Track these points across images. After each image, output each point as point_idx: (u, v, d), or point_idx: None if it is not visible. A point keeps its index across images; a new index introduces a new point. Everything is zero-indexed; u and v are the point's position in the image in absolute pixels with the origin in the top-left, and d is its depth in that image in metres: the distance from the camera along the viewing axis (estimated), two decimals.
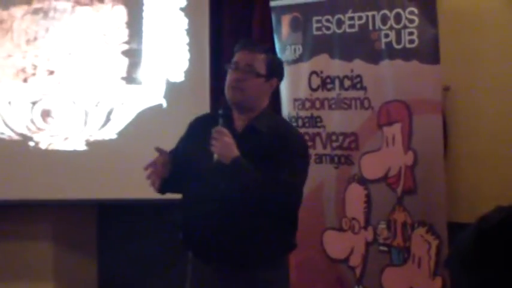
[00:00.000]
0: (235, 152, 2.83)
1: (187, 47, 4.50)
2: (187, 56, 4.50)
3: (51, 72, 4.54)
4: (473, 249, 1.21)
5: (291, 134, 3.06)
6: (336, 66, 3.90)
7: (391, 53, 3.70)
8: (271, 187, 2.81)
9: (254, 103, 2.97)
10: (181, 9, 4.52)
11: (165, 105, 4.51)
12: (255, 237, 2.89)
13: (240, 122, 2.98)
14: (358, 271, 3.87)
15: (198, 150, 2.95)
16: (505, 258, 1.18)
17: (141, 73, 4.51)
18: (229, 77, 2.97)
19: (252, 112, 2.98)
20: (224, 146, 2.83)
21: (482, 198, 3.67)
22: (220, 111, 2.95)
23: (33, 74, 4.55)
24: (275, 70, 3.03)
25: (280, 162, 2.84)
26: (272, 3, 4.19)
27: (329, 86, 3.94)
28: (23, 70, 4.55)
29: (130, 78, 4.52)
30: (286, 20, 4.10)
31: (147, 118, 4.51)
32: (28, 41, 4.56)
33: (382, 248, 3.76)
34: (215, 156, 2.84)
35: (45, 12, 4.56)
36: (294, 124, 3.97)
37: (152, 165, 2.96)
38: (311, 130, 3.99)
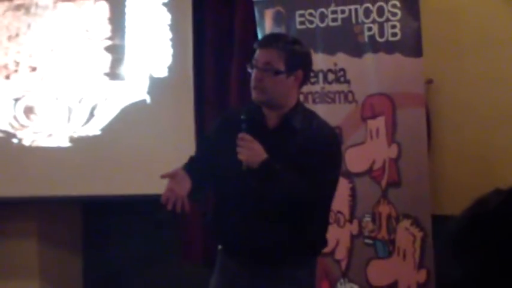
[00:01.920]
0: (262, 155, 2.82)
1: (170, 43, 4.49)
2: (171, 51, 4.48)
3: (34, 69, 4.52)
4: (468, 233, 1.20)
5: (326, 132, 3.02)
6: (319, 60, 3.90)
7: (374, 46, 3.70)
8: (308, 187, 2.80)
9: (280, 101, 2.94)
10: (164, 4, 4.50)
11: (148, 100, 4.50)
12: (287, 235, 2.89)
13: (271, 118, 2.96)
14: (343, 264, 3.88)
15: (227, 154, 2.92)
16: (501, 243, 1.17)
17: (124, 69, 4.50)
18: (252, 77, 2.94)
19: (281, 108, 2.95)
20: (250, 152, 2.83)
21: (466, 190, 3.69)
22: (242, 117, 2.90)
23: (16, 71, 4.52)
24: (297, 62, 2.95)
25: (314, 158, 2.83)
26: None
27: (313, 80, 3.94)
28: (5, 67, 4.52)
29: (113, 74, 4.50)
30: (269, 14, 4.09)
31: (130, 114, 4.50)
32: (10, 38, 4.53)
33: (367, 241, 3.77)
34: (244, 163, 2.84)
35: (27, 8, 4.53)
36: None
37: (171, 193, 2.90)
38: None
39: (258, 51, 2.96)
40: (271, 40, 3.09)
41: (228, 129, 2.97)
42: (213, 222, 3.10)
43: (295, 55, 2.96)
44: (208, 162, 3.01)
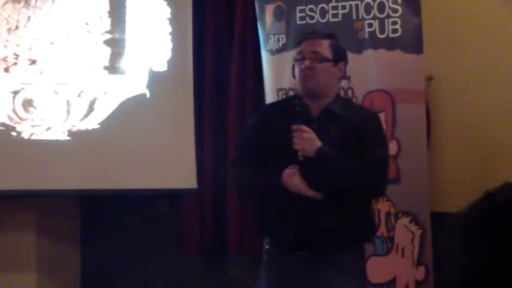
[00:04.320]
0: (317, 143, 2.89)
1: (170, 37, 4.48)
2: (170, 45, 4.47)
3: (33, 62, 4.50)
4: (478, 225, 1.20)
5: (370, 115, 3.15)
6: None
7: (375, 42, 3.69)
8: (367, 166, 2.88)
9: (327, 89, 3.01)
10: None
11: (148, 94, 4.48)
12: (343, 222, 2.93)
13: (316, 108, 3.01)
14: None
15: (280, 145, 2.98)
16: (510, 235, 1.17)
17: (124, 63, 4.48)
18: (298, 68, 3.01)
19: (326, 98, 3.02)
20: (306, 141, 2.90)
21: (465, 188, 3.68)
22: (298, 108, 2.98)
23: (15, 64, 4.51)
24: (341, 54, 3.07)
25: (366, 141, 2.91)
26: None
27: None
28: (5, 59, 4.50)
29: (113, 68, 4.49)
30: (269, 9, 4.08)
31: (130, 108, 4.49)
32: (9, 30, 4.52)
33: None
34: (300, 153, 2.90)
35: (27, 1, 4.52)
36: None
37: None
38: None
39: (304, 43, 3.03)
40: (315, 33, 3.25)
41: (273, 122, 3.05)
42: (261, 216, 3.10)
43: (338, 46, 3.09)
44: (263, 156, 3.03)
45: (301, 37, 3.11)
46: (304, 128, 2.92)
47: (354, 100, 3.78)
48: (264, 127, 3.10)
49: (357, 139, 2.92)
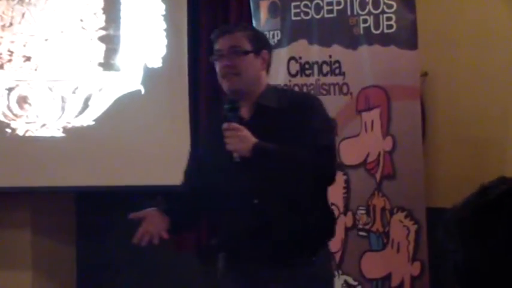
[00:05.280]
0: (252, 140, 2.66)
1: (164, 33, 4.47)
2: (165, 42, 4.47)
3: (28, 59, 4.50)
4: (474, 219, 1.20)
5: (307, 99, 2.94)
6: (314, 52, 3.89)
7: (370, 38, 3.69)
8: (311, 154, 2.67)
9: (253, 84, 2.82)
10: None
11: (143, 91, 4.48)
12: (298, 223, 2.74)
13: (245, 108, 2.80)
14: (337, 256, 3.87)
15: (215, 151, 2.79)
16: (504, 230, 1.17)
17: (118, 59, 4.48)
18: (218, 67, 2.82)
19: (254, 94, 2.82)
20: (239, 140, 2.66)
21: (460, 183, 3.69)
22: (226, 106, 2.76)
23: (9, 60, 4.50)
24: (261, 42, 2.89)
25: (307, 128, 2.71)
26: None
27: (308, 72, 3.93)
28: None
29: (107, 65, 4.49)
30: (264, 5, 4.07)
31: (125, 104, 4.49)
32: (3, 27, 4.51)
33: (361, 233, 3.77)
34: (235, 154, 2.68)
35: None
36: None
37: (145, 233, 2.85)
38: None
39: (220, 40, 2.83)
40: (229, 27, 3.08)
41: (212, 130, 2.86)
42: (216, 234, 2.97)
43: (257, 35, 2.93)
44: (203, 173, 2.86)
45: (215, 34, 2.89)
46: (235, 125, 2.68)
47: (347, 94, 3.77)
48: (205, 144, 2.95)
49: (296, 128, 2.71)
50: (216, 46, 2.85)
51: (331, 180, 2.86)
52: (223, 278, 2.93)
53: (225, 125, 2.69)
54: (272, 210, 2.74)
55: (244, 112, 2.80)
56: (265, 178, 2.70)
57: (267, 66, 2.90)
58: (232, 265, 2.88)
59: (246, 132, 2.67)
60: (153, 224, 2.83)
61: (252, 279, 2.80)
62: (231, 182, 2.78)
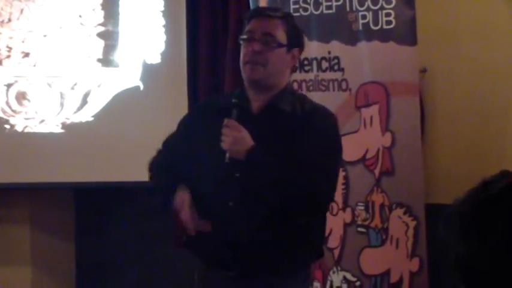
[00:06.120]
0: (248, 144, 2.44)
1: (163, 29, 4.47)
2: (164, 38, 4.46)
3: (27, 55, 4.49)
4: (474, 213, 1.20)
5: (323, 115, 2.63)
6: (313, 48, 3.88)
7: (369, 34, 3.68)
8: (307, 175, 2.42)
9: (276, 79, 2.57)
10: None
11: (142, 87, 4.48)
12: (277, 243, 2.51)
13: (257, 102, 2.58)
14: (336, 252, 3.87)
15: (206, 149, 2.56)
16: (505, 225, 1.17)
17: (117, 55, 4.47)
18: (245, 51, 2.55)
19: (272, 90, 2.58)
20: (236, 140, 2.45)
21: (459, 179, 3.69)
22: (233, 100, 2.53)
23: (8, 56, 4.50)
24: (297, 38, 2.63)
25: (312, 145, 2.47)
26: None
27: (307, 68, 3.93)
28: None
29: (106, 61, 4.48)
30: (264, 1, 4.07)
31: (124, 100, 4.48)
32: (2, 23, 4.50)
33: (360, 229, 3.77)
34: (227, 153, 2.47)
35: None
36: None
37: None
38: None
39: (254, 21, 2.58)
40: (268, 10, 2.76)
41: (207, 119, 2.60)
42: (193, 239, 2.63)
43: (295, 29, 2.65)
44: (188, 170, 2.60)
45: (251, 13, 2.65)
46: (234, 123, 2.46)
47: (346, 90, 3.77)
48: (188, 136, 2.66)
49: (301, 142, 2.47)
50: (248, 27, 2.58)
51: (320, 209, 2.62)
52: (199, 278, 2.75)
53: (225, 120, 2.49)
54: (245, 217, 2.51)
55: (255, 107, 2.59)
56: (246, 183, 2.47)
57: (294, 66, 2.69)
58: (207, 267, 2.68)
59: (244, 134, 2.46)
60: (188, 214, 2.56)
61: (225, 283, 2.60)
62: (212, 180, 2.56)
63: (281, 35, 2.55)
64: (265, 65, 2.53)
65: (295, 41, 2.61)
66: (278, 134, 2.51)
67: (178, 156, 2.67)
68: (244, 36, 2.57)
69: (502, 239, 1.17)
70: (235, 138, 2.45)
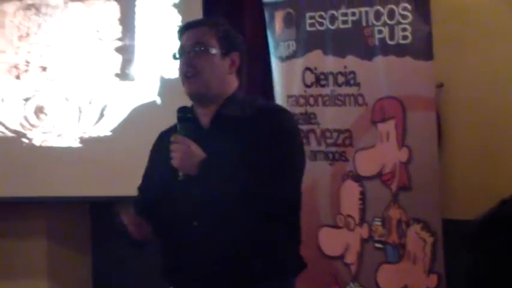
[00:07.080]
0: (199, 157, 2.34)
1: None
2: None
3: (44, 69, 4.52)
4: (488, 232, 1.20)
5: (276, 112, 2.53)
6: (329, 63, 3.89)
7: (385, 49, 3.68)
8: (266, 178, 2.32)
9: (217, 88, 2.47)
10: (175, 5, 4.49)
11: (159, 102, 4.49)
12: (249, 258, 2.40)
13: (205, 117, 2.49)
14: (353, 268, 3.86)
15: (163, 169, 2.47)
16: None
17: (134, 70, 4.49)
18: (179, 67, 2.51)
19: (217, 100, 2.48)
20: (184, 155, 2.34)
21: (477, 195, 3.67)
22: (179, 115, 2.46)
23: (26, 71, 4.53)
24: (232, 42, 2.52)
25: (268, 145, 2.37)
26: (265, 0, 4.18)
27: (323, 83, 3.93)
28: (16, 66, 4.53)
29: (123, 75, 4.50)
30: (279, 16, 4.08)
31: (141, 115, 4.50)
32: (20, 37, 4.54)
33: (377, 245, 3.76)
34: (180, 171, 2.37)
35: (38, 8, 4.54)
36: None
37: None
38: (305, 127, 3.98)
39: (184, 36, 2.52)
40: (198, 21, 2.71)
41: (166, 139, 2.51)
42: (163, 263, 2.62)
43: (228, 34, 2.54)
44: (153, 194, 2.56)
45: (179, 30, 2.56)
46: (180, 138, 2.37)
47: (362, 105, 3.76)
48: (152, 160, 2.63)
49: (256, 143, 2.36)
50: (180, 43, 2.54)
51: (286, 211, 2.46)
52: None
53: (172, 137, 2.41)
54: (211, 235, 2.41)
55: (205, 120, 2.49)
56: (206, 199, 2.37)
57: (238, 70, 2.53)
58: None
59: (193, 147, 2.35)
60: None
61: None
62: (173, 202, 2.48)
63: (211, 42, 2.48)
64: (200, 76, 2.45)
65: (231, 46, 2.51)
66: (232, 142, 2.39)
67: (147, 181, 2.68)
68: (177, 54, 2.53)
69: (504, 255, 1.17)
70: (184, 153, 2.35)
